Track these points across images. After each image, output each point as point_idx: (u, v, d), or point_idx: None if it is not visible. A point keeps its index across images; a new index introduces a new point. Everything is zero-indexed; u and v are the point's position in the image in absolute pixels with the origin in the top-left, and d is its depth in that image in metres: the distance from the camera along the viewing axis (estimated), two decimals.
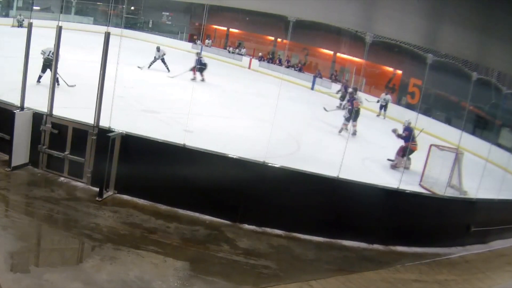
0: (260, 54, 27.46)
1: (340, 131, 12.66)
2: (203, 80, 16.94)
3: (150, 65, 17.63)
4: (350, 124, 12.52)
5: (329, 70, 24.87)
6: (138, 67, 16.90)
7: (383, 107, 17.73)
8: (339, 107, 15.76)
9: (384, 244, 6.37)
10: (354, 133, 12.47)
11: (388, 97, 17.89)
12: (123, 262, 4.68)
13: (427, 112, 17.64)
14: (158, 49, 17.98)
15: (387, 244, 6.39)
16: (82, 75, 11.36)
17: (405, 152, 10.03)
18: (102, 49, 6.20)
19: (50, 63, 15.30)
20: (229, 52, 28.71)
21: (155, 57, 17.88)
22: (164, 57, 17.85)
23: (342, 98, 16.64)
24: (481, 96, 15.12)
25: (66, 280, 4.18)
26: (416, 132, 10.39)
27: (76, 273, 4.34)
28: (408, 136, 10.19)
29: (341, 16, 6.51)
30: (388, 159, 10.55)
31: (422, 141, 11.03)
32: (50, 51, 15.89)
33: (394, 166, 10.10)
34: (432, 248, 6.61)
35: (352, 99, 13.27)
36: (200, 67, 17.02)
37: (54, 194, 5.95)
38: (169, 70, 17.38)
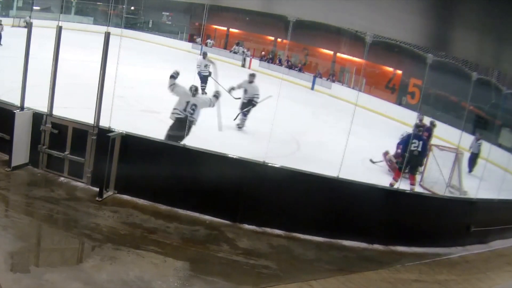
0: (262, 52, 27.49)
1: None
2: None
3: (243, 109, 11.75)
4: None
5: (329, 70, 24.89)
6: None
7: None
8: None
9: (384, 244, 6.36)
10: None
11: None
12: (123, 262, 4.68)
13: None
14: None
15: (387, 244, 6.38)
16: (82, 75, 11.36)
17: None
18: (102, 49, 6.20)
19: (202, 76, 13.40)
20: (230, 51, 28.66)
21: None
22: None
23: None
24: (481, 96, 15.13)
25: (66, 280, 4.18)
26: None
27: (76, 273, 4.34)
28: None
29: (342, 16, 6.49)
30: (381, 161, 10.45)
31: None
32: (203, 64, 13.36)
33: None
34: (432, 248, 6.60)
35: None
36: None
37: (54, 194, 5.95)
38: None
